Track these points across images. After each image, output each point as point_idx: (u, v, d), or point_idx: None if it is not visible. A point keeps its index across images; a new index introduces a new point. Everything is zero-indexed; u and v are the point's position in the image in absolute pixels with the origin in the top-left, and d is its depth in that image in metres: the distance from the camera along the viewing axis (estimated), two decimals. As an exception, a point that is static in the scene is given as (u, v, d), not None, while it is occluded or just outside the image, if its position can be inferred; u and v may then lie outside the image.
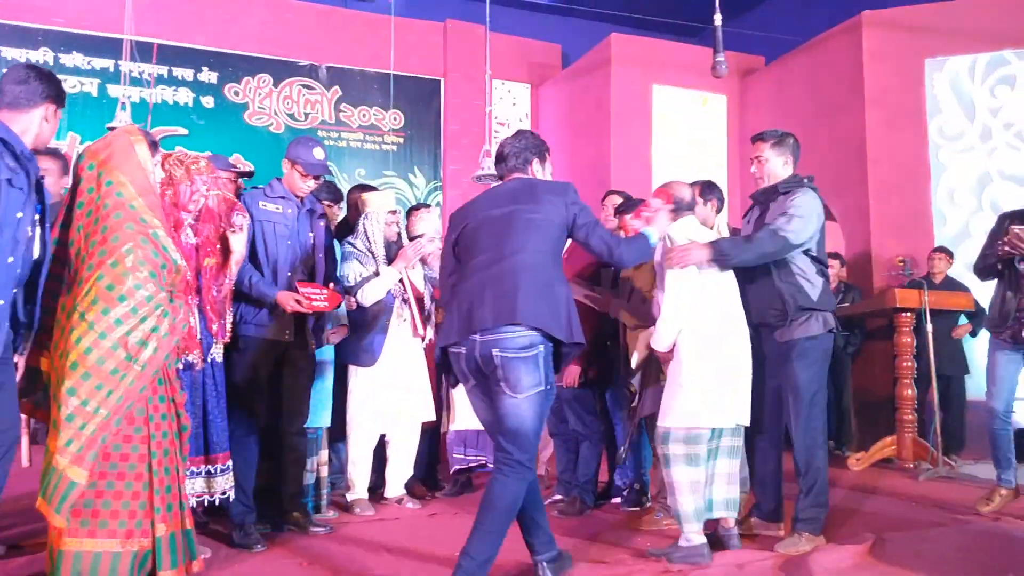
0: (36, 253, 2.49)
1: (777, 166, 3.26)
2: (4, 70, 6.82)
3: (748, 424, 3.12)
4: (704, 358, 3.00)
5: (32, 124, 2.44)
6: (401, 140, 8.18)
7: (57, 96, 2.51)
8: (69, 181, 2.96)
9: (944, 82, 6.30)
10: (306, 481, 3.60)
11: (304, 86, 7.84)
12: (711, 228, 3.48)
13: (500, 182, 2.89)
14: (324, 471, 3.75)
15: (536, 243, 2.62)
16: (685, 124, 7.64)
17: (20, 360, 2.53)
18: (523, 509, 2.63)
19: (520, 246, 2.59)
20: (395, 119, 8.14)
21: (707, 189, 3.56)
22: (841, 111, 6.54)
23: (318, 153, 3.42)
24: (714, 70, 4.36)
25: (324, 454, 3.75)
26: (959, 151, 6.25)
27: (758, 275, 3.16)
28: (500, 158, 2.85)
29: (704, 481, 3.04)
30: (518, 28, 8.56)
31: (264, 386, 3.29)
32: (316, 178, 3.47)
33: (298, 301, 3.22)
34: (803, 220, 3.03)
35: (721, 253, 3.00)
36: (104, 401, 2.37)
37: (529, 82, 8.75)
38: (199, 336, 2.99)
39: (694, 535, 2.96)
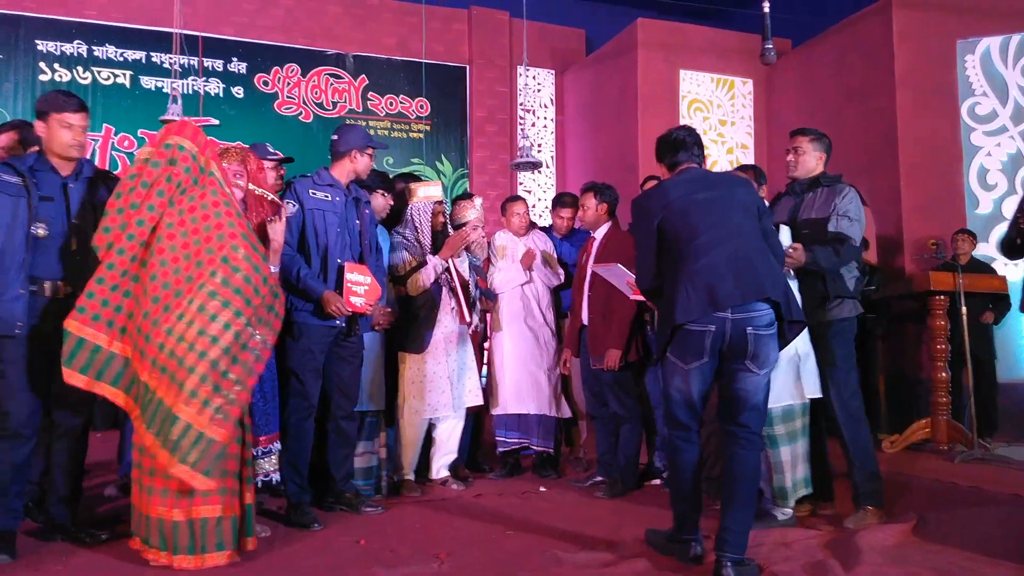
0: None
1: (812, 160, 3.44)
2: (41, 64, 6.94)
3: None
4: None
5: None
6: (428, 128, 8.23)
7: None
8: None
9: (976, 63, 6.26)
10: (369, 463, 3.69)
11: (332, 75, 7.90)
12: None
13: (684, 168, 2.92)
14: (384, 453, 3.84)
15: (751, 224, 2.78)
16: (712, 108, 7.63)
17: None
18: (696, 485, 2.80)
19: (739, 227, 2.74)
20: (422, 107, 8.19)
21: (760, 175, 3.73)
22: (870, 93, 6.51)
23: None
24: (762, 57, 4.43)
25: (383, 436, 3.83)
26: (991, 133, 6.22)
27: None
28: (679, 146, 2.93)
29: (801, 457, 3.25)
30: (542, 14, 8.56)
31: (319, 371, 3.38)
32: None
33: (338, 308, 3.30)
34: (860, 224, 3.29)
35: (816, 264, 3.20)
36: (245, 376, 2.68)
37: (553, 68, 8.76)
38: None
39: (789, 509, 3.17)
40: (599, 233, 4.12)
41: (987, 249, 5.96)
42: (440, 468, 4.07)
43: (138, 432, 2.64)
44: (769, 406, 3.09)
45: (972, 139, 6.24)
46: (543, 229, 4.77)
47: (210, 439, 2.56)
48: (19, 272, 2.80)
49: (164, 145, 2.76)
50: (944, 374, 4.98)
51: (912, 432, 5.05)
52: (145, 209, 2.68)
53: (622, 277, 3.67)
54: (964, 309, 4.82)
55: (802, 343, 3.24)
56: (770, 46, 4.44)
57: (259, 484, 3.23)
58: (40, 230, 2.85)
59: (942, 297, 4.99)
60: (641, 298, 3.47)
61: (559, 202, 4.79)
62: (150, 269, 2.67)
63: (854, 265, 3.37)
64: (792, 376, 3.24)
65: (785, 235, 3.30)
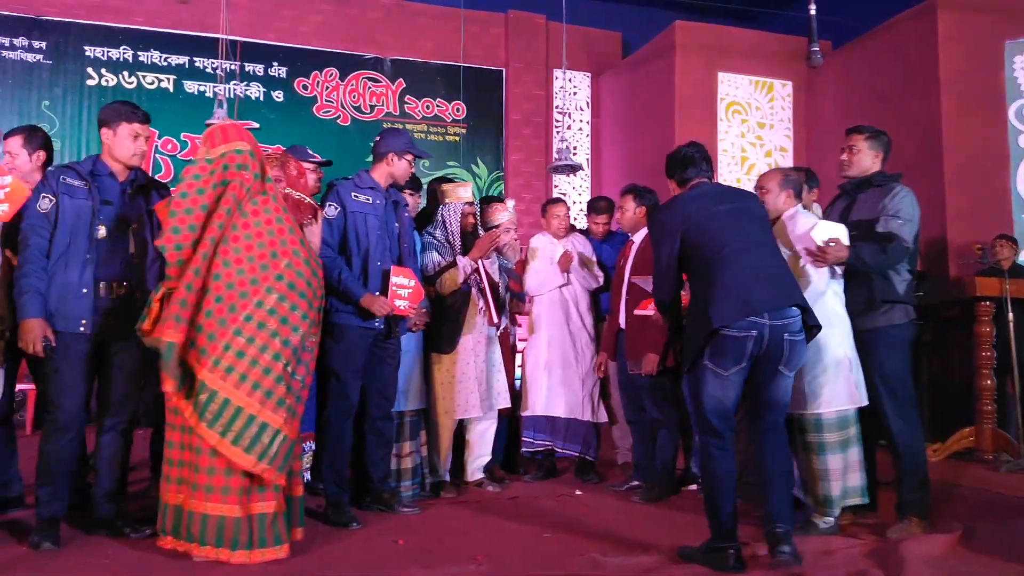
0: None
1: (867, 159, 3.34)
2: (88, 69, 7.12)
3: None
4: (840, 342, 3.16)
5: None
6: (464, 131, 8.27)
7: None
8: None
9: (1024, 65, 6.12)
10: (414, 463, 3.72)
11: (370, 79, 7.98)
12: None
13: (696, 183, 3.00)
14: (424, 451, 3.87)
15: (767, 235, 2.94)
16: (750, 111, 7.56)
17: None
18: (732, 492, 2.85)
19: (761, 238, 2.87)
20: (458, 110, 8.24)
21: (812, 176, 3.69)
22: (913, 97, 6.39)
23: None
24: (808, 59, 4.39)
25: (423, 435, 3.86)
26: (1040, 135, 6.07)
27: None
28: (688, 162, 3.03)
29: (854, 465, 3.20)
30: (579, 17, 8.55)
31: (359, 371, 3.41)
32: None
33: (381, 308, 3.34)
34: (912, 224, 3.17)
35: (860, 260, 3.11)
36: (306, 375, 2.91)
37: (589, 71, 8.75)
38: None
39: (831, 518, 3.14)
40: (637, 237, 4.11)
41: (1034, 254, 5.82)
42: (474, 470, 4.08)
43: (196, 432, 2.68)
44: (822, 411, 3.14)
45: (1020, 142, 6.09)
46: (582, 232, 4.76)
47: (284, 436, 2.70)
48: (83, 272, 2.91)
49: (235, 150, 2.84)
50: (989, 381, 4.86)
51: (956, 440, 4.93)
52: (224, 212, 2.76)
53: None
54: (1011, 315, 4.72)
55: (852, 348, 3.18)
56: (816, 48, 4.39)
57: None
58: (101, 232, 2.96)
59: (988, 303, 4.88)
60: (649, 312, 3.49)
61: (593, 208, 4.79)
62: (213, 269, 2.74)
63: (905, 268, 3.23)
64: (847, 381, 3.16)
65: (841, 233, 3.16)
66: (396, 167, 3.52)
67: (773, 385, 2.79)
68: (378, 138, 3.58)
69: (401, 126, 7.95)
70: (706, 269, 2.77)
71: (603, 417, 4.40)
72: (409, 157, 3.54)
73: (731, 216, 2.86)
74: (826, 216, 3.51)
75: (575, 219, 7.59)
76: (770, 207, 3.39)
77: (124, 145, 3.03)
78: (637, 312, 3.61)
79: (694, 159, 3.02)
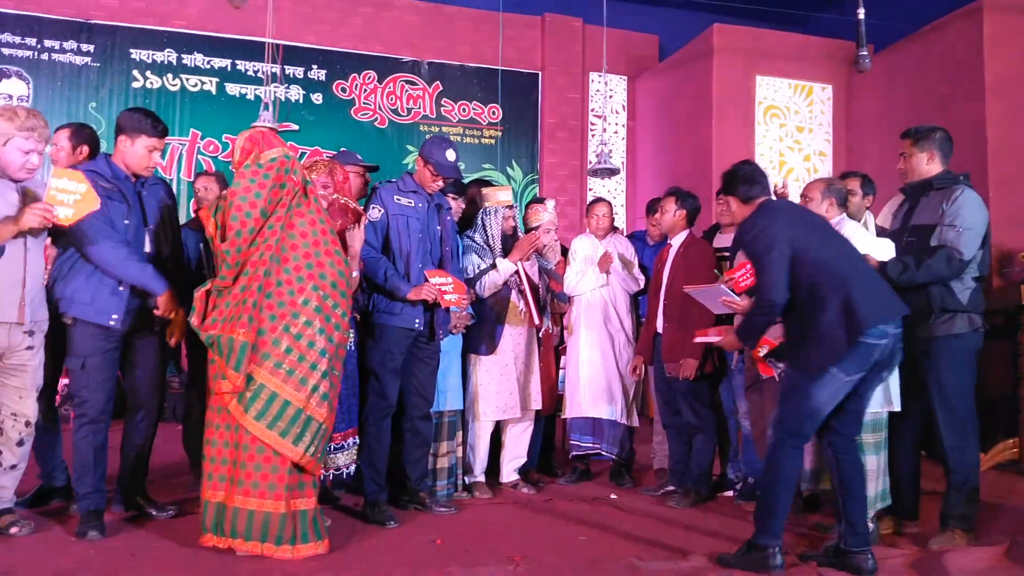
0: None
1: (921, 162, 3.24)
2: (134, 72, 7.25)
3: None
4: None
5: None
6: (499, 134, 8.30)
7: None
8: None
9: (1074, 68, 5.97)
10: (450, 463, 3.76)
11: (407, 82, 8.04)
12: (861, 222, 3.54)
13: (764, 201, 3.03)
14: (461, 452, 3.90)
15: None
16: (789, 114, 7.48)
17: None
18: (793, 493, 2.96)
19: (850, 250, 2.93)
20: (494, 113, 8.27)
21: (867, 183, 3.66)
22: (958, 100, 6.27)
23: (450, 155, 3.50)
24: (856, 64, 4.34)
25: (460, 436, 3.89)
26: (1090, 141, 5.91)
27: None
28: (755, 178, 3.06)
29: (883, 468, 3.23)
30: (615, 20, 8.53)
31: (397, 371, 3.45)
32: (445, 180, 3.58)
33: (429, 292, 3.37)
34: (972, 232, 3.05)
35: (888, 276, 3.06)
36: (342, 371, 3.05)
37: (626, 74, 8.72)
38: None
39: (870, 523, 3.10)
40: (676, 240, 4.09)
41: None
42: (510, 471, 4.10)
43: (243, 427, 2.75)
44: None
45: (1068, 148, 5.94)
46: (630, 236, 4.74)
47: (325, 428, 2.84)
48: None
49: (285, 155, 2.91)
50: (1028, 391, 4.77)
51: (998, 452, 4.84)
52: (280, 215, 2.86)
53: (717, 296, 3.58)
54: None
55: None
56: (864, 53, 4.34)
57: (330, 477, 3.32)
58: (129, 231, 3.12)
59: (1031, 313, 4.78)
60: (729, 310, 3.42)
61: (650, 209, 4.79)
62: (265, 267, 2.82)
63: (970, 275, 3.12)
64: (883, 384, 3.11)
65: (886, 248, 3.15)
66: (419, 172, 3.56)
67: (869, 392, 2.87)
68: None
69: (437, 129, 8.02)
70: (830, 277, 2.75)
71: (636, 420, 4.39)
72: (431, 168, 3.51)
73: (823, 229, 2.95)
74: (890, 220, 3.44)
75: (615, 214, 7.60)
76: None
77: (139, 156, 3.15)
78: (699, 339, 3.49)
79: (756, 176, 3.06)
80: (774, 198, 3.09)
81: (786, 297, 2.82)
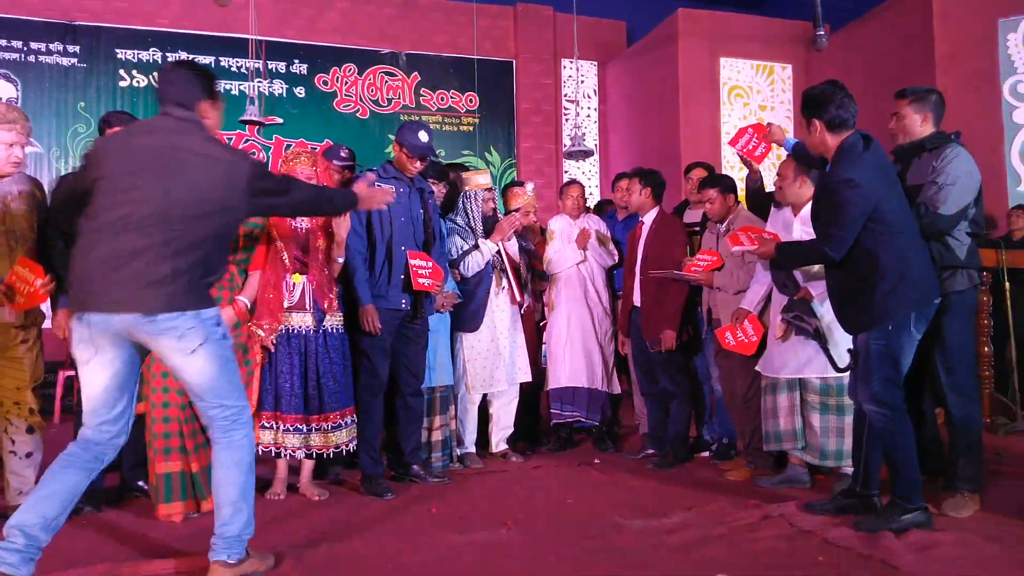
0: None
1: (915, 123, 3.07)
2: (120, 71, 7.12)
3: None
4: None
5: None
6: (477, 120, 8.25)
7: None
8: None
9: (1018, 41, 6.02)
10: (444, 435, 3.77)
11: (386, 73, 7.96)
12: None
13: (855, 134, 2.82)
14: (453, 425, 3.91)
15: None
16: (752, 94, 7.49)
17: None
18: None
19: (914, 225, 2.87)
20: (471, 101, 8.21)
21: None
22: (910, 76, 6.28)
23: (423, 136, 3.49)
24: (814, 43, 4.31)
25: (452, 410, 3.90)
26: (1033, 110, 5.98)
27: None
28: (847, 106, 2.80)
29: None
30: (584, 7, 8.47)
31: (387, 351, 3.44)
32: (423, 159, 3.55)
33: (368, 324, 3.33)
34: (954, 188, 2.86)
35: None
36: None
37: (596, 60, 8.68)
38: (311, 310, 3.23)
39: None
40: (647, 218, 4.10)
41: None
42: (499, 441, 4.12)
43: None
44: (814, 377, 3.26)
45: (1014, 117, 6.01)
46: (598, 212, 4.75)
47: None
48: None
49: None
50: (987, 348, 4.84)
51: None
52: None
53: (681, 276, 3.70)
54: (1007, 284, 4.69)
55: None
56: (822, 32, 4.31)
57: (330, 455, 3.31)
58: None
59: (986, 273, 4.84)
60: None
61: (617, 181, 4.80)
62: None
63: (964, 231, 2.94)
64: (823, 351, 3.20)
65: None
66: (397, 157, 3.54)
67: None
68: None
69: (417, 117, 7.94)
70: (903, 237, 2.71)
71: (617, 388, 4.42)
72: (406, 151, 3.50)
73: (903, 197, 2.82)
74: None
75: (589, 194, 7.59)
76: (789, 196, 3.38)
77: None
78: (734, 249, 3.39)
79: (847, 103, 2.78)
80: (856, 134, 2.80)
81: (843, 253, 2.71)
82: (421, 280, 3.43)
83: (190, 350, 2.17)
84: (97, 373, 2.19)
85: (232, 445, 2.28)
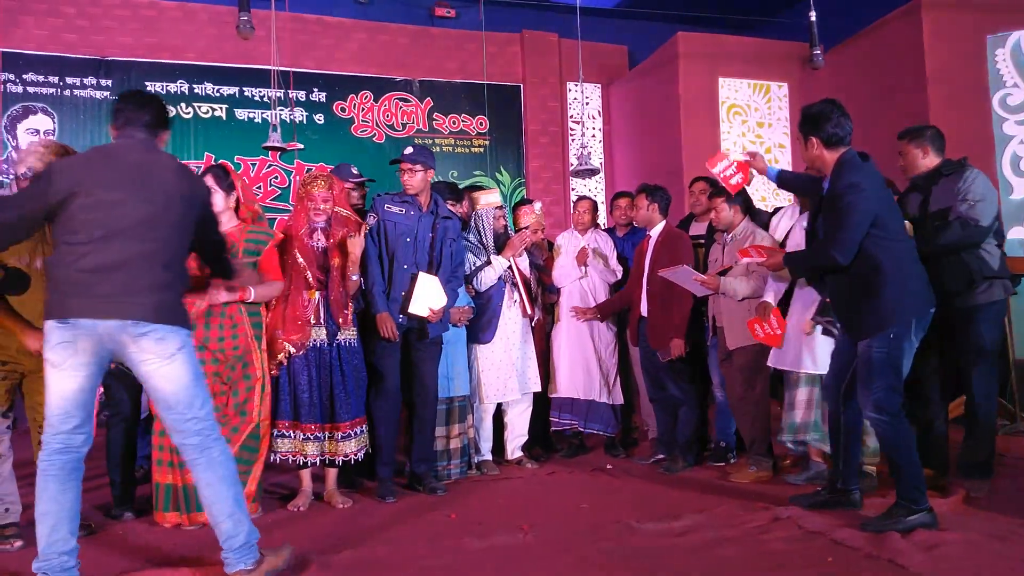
0: None
1: (917, 157, 3.26)
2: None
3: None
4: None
5: None
6: (487, 142, 8.28)
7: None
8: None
9: (1007, 56, 5.99)
10: (462, 443, 3.75)
11: (400, 99, 8.01)
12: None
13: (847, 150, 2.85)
14: (471, 433, 3.89)
15: None
16: (750, 112, 7.49)
17: None
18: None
19: (908, 239, 2.92)
20: (481, 124, 8.25)
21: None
22: (902, 92, 6.30)
23: (408, 150, 3.55)
24: (811, 62, 4.32)
25: (470, 419, 3.88)
26: (1023, 121, 5.95)
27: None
28: (843, 124, 2.83)
29: None
30: (588, 33, 8.51)
31: (397, 362, 3.47)
32: (404, 167, 3.51)
33: (386, 330, 3.36)
34: (984, 203, 3.02)
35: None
36: None
37: (600, 82, 8.72)
38: (325, 324, 3.24)
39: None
40: (654, 232, 4.09)
41: (1021, 233, 5.71)
42: (514, 449, 4.10)
43: None
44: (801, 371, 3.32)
45: (1004, 128, 5.98)
46: (609, 231, 4.72)
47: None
48: None
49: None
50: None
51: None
52: None
53: (688, 275, 3.61)
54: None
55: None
56: (818, 52, 4.32)
57: (339, 463, 3.30)
58: None
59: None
60: (703, 293, 3.44)
61: (616, 198, 4.77)
62: None
63: (992, 243, 3.10)
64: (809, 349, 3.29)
65: None
66: (403, 176, 3.56)
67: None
68: None
69: (430, 141, 8.00)
70: (902, 245, 2.74)
71: (619, 399, 4.35)
72: (404, 166, 3.52)
73: (897, 212, 2.85)
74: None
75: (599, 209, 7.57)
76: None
77: None
78: (743, 260, 3.33)
79: (843, 121, 2.80)
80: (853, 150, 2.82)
81: (851, 258, 2.69)
82: (419, 304, 3.40)
83: (169, 354, 2.17)
84: (70, 378, 2.15)
85: (213, 462, 2.23)
